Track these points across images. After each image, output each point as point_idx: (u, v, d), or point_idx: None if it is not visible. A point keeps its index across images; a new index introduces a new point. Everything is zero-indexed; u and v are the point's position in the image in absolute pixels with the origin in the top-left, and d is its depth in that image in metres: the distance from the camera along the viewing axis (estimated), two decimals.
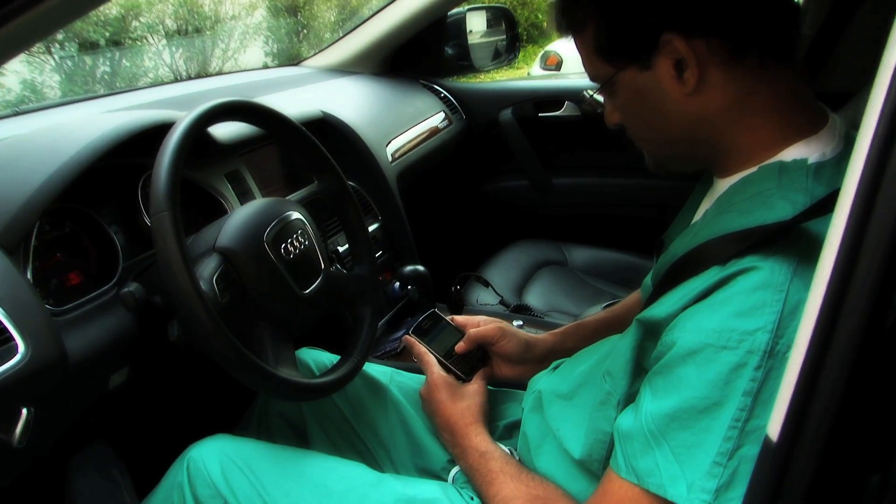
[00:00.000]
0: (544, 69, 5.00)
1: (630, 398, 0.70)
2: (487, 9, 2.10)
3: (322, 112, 1.47)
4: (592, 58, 0.70)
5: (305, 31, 5.75)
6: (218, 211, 1.11)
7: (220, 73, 2.60)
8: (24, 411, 0.72)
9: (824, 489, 0.46)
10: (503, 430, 1.00)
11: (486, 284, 1.59)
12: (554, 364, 0.96)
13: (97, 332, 0.84)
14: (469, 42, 1.97)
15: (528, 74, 5.64)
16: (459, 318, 1.08)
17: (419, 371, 1.05)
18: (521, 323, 1.32)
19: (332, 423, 1.06)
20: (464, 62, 1.98)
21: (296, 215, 0.95)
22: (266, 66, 3.19)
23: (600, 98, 0.76)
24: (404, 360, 1.31)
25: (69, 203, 0.90)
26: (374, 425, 1.05)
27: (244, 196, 1.16)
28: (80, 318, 0.84)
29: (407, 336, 1.05)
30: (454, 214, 2.17)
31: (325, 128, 1.48)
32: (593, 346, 0.88)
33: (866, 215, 0.40)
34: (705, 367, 0.58)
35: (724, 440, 0.57)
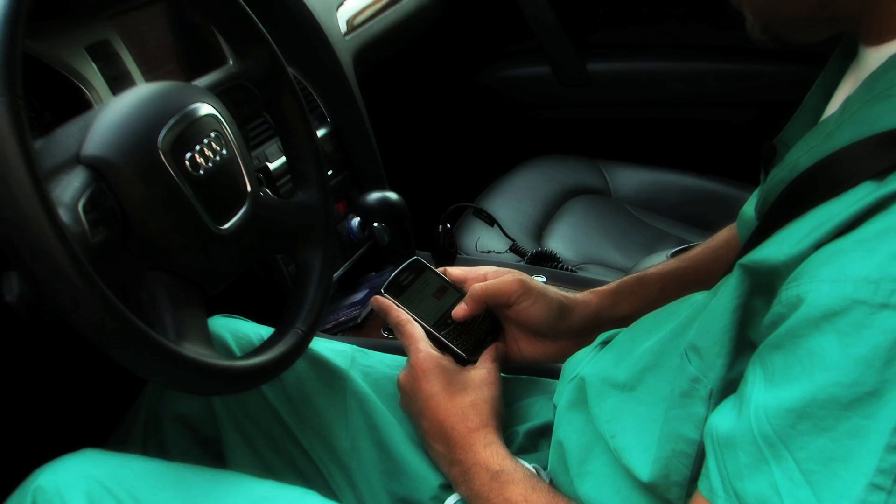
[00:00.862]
0: None
1: (730, 387, 0.70)
2: None
3: None
4: None
5: None
6: (79, 104, 1.10)
7: None
8: None
9: None
10: (525, 438, 1.01)
11: (491, 221, 1.60)
12: (602, 338, 0.97)
13: None
14: None
15: None
16: (455, 270, 1.11)
17: (397, 349, 1.07)
18: (543, 279, 1.33)
19: (261, 429, 1.07)
20: None
21: (206, 109, 0.95)
22: None
23: None
24: (371, 334, 1.34)
25: None
26: (327, 432, 1.06)
27: (118, 81, 1.16)
28: None
29: (378, 297, 1.06)
30: (439, 117, 2.19)
31: None
32: (663, 309, 0.88)
33: None
34: (854, 337, 0.57)
35: (885, 450, 0.56)
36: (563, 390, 0.95)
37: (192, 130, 0.92)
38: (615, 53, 2.05)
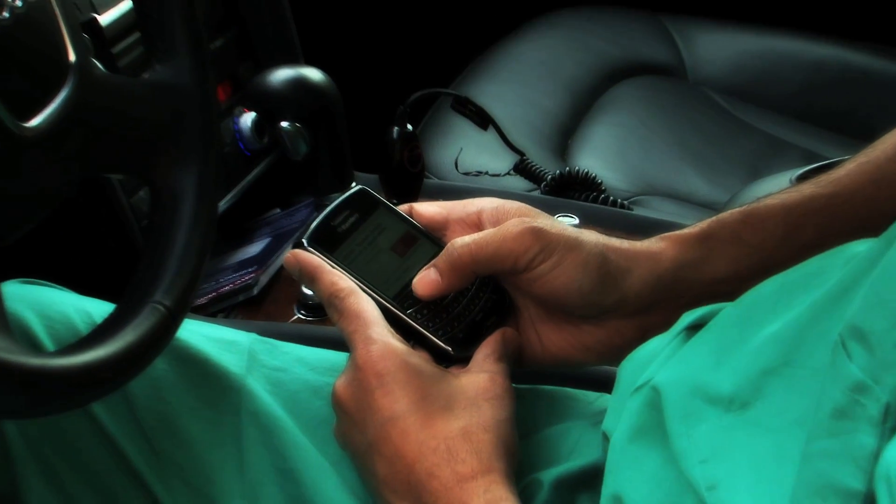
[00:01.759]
0: None
1: None
2: None
3: None
4: None
5: None
6: None
7: None
8: None
9: None
10: (553, 491, 1.00)
11: (483, 120, 1.61)
12: (687, 319, 0.94)
13: None
14: None
15: None
16: (427, 207, 1.11)
17: (329, 340, 1.13)
18: (574, 221, 1.39)
19: (88, 479, 1.07)
20: None
21: None
22: None
23: None
24: (280, 314, 1.38)
25: None
26: (205, 483, 1.08)
27: None
28: None
29: (297, 251, 1.06)
30: None
31: None
32: (794, 270, 0.88)
33: None
34: None
35: None
36: (620, 410, 0.91)
37: None
38: None
